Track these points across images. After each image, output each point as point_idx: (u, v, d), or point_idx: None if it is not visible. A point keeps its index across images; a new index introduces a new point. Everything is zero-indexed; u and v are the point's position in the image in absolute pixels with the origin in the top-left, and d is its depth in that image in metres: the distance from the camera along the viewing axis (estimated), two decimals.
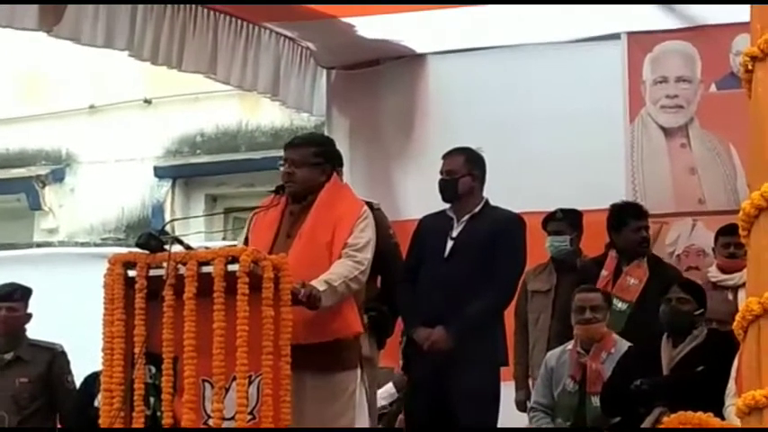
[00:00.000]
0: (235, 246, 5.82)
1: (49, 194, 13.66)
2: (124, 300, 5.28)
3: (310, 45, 8.76)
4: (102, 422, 5.27)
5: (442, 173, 6.65)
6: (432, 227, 6.66)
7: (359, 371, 5.92)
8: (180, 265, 5.19)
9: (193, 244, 5.57)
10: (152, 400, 5.24)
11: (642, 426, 6.16)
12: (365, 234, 5.75)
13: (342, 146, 6.35)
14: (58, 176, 13.60)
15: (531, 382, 7.48)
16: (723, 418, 5.66)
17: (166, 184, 13.21)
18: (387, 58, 8.90)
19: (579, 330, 6.74)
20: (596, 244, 7.50)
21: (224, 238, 9.92)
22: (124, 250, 5.89)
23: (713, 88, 7.98)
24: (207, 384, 5.15)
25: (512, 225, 6.54)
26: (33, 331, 7.48)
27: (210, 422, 5.13)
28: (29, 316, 7.45)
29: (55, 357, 7.41)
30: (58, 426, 7.51)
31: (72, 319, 7.83)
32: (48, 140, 13.64)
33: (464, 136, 7.31)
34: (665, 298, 6.43)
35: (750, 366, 3.06)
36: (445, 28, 8.32)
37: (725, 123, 7.75)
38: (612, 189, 7.72)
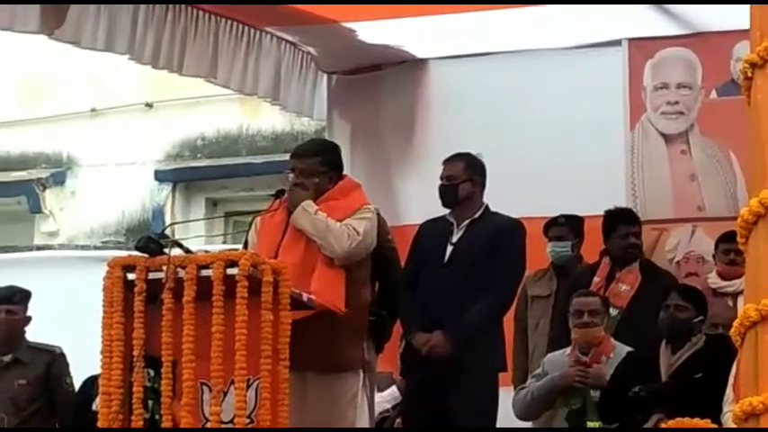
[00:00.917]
0: (235, 250, 5.85)
1: (50, 197, 13.66)
2: (123, 303, 5.28)
3: (311, 49, 8.76)
4: (101, 425, 5.27)
5: (442, 178, 6.67)
6: (431, 232, 6.67)
7: (362, 374, 5.95)
8: (179, 269, 5.19)
9: (193, 248, 5.57)
10: (151, 403, 5.24)
11: None
12: (365, 218, 5.90)
13: (342, 151, 6.37)
14: (58, 179, 13.61)
15: None
16: (721, 425, 5.66)
17: (167, 188, 13.22)
18: (388, 63, 8.90)
19: (577, 334, 6.73)
20: (595, 251, 7.49)
21: (224, 242, 9.94)
22: (124, 254, 5.91)
23: (714, 95, 7.98)
24: (205, 388, 5.16)
25: (511, 230, 6.55)
26: (33, 334, 7.49)
27: (209, 425, 5.14)
28: (28, 319, 7.45)
29: (54, 359, 7.42)
30: (57, 427, 7.52)
31: (72, 322, 7.82)
32: (48, 143, 13.65)
33: (465, 141, 7.32)
34: (664, 305, 6.43)
35: (747, 373, 3.06)
36: (446, 33, 8.32)
37: (725, 130, 7.75)
38: (612, 195, 7.72)
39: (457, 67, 8.75)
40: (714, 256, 7.36)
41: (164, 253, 5.27)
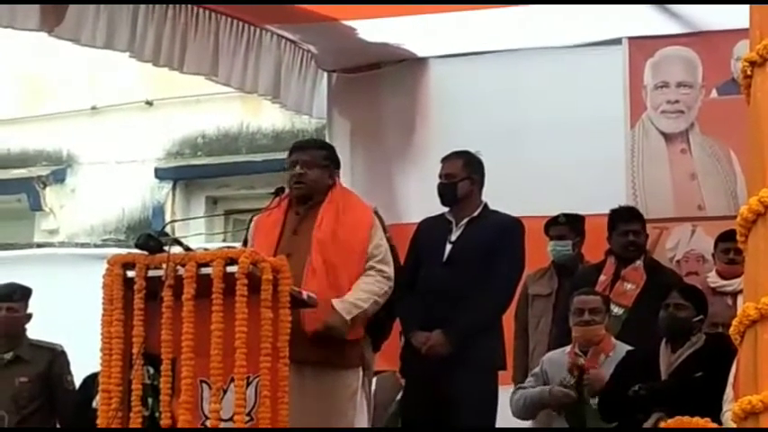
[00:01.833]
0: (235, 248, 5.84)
1: (50, 195, 13.66)
2: (123, 300, 5.29)
3: (311, 48, 8.76)
4: (100, 423, 5.28)
5: (440, 176, 6.66)
6: (430, 230, 6.67)
7: (361, 371, 5.95)
8: (179, 267, 5.20)
9: (194, 246, 5.58)
10: (150, 400, 5.24)
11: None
12: (383, 243, 5.95)
13: (342, 149, 6.39)
14: (58, 177, 13.61)
15: None
16: (721, 424, 5.65)
17: (167, 186, 13.22)
18: (388, 61, 8.89)
19: (577, 332, 6.73)
20: (596, 249, 7.49)
21: (224, 240, 9.93)
22: (124, 251, 5.91)
23: (714, 94, 7.98)
24: (205, 385, 5.16)
25: (511, 228, 6.55)
26: (33, 331, 7.49)
27: (208, 423, 5.14)
28: (29, 316, 7.45)
29: (55, 357, 7.42)
30: (58, 425, 7.51)
31: (72, 319, 7.82)
32: (49, 141, 13.65)
33: (465, 140, 7.32)
34: (664, 304, 6.42)
35: (747, 371, 3.06)
36: (446, 32, 8.32)
37: (725, 129, 7.75)
38: (612, 194, 7.71)
39: (457, 65, 8.75)
40: (714, 255, 7.36)
41: (163, 251, 5.28)
